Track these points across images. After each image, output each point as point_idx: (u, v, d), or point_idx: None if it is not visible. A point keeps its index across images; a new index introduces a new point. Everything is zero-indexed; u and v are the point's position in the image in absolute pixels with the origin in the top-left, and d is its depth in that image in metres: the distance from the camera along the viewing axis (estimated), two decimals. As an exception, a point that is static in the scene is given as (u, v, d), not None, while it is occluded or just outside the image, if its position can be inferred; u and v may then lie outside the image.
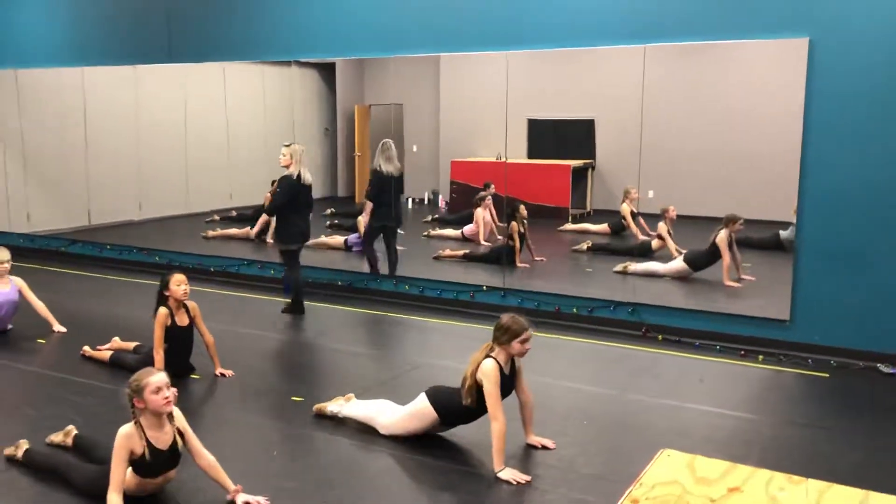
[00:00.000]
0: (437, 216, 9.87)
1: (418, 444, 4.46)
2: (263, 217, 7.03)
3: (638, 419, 4.97)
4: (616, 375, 5.82)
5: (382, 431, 4.55)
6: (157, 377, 3.61)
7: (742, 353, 6.24)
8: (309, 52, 8.35)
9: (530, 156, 9.63)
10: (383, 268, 8.18)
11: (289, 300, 7.50)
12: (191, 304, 5.55)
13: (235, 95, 9.99)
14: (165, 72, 9.25)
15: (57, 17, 9.75)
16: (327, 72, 10.10)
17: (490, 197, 9.16)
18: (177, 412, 3.74)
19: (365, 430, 4.66)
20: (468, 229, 9.32)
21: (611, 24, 6.64)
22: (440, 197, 10.30)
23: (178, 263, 9.27)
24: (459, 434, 4.54)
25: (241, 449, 4.52)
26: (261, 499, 3.75)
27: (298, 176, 7.02)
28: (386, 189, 7.91)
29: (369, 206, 7.92)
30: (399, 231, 8.38)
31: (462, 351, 6.43)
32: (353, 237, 9.20)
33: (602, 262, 8.81)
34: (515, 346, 4.23)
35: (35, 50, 9.93)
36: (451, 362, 6.01)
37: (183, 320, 5.48)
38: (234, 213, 10.27)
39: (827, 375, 5.80)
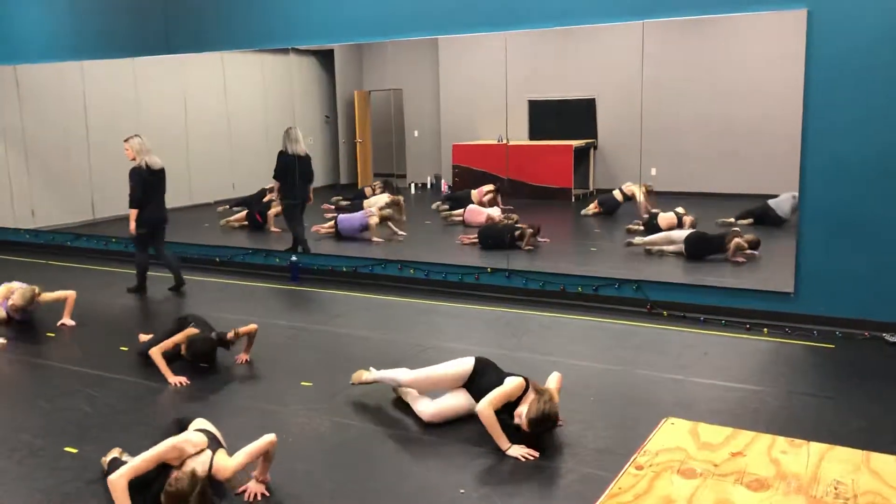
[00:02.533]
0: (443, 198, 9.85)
1: (428, 426, 4.51)
2: (133, 212, 7.61)
3: (644, 394, 5.01)
4: (622, 352, 5.85)
5: (406, 381, 4.61)
6: None
7: (747, 326, 6.26)
8: (306, 39, 8.35)
9: (532, 137, 9.62)
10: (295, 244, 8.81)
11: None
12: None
13: (235, 85, 9.99)
14: (164, 63, 9.25)
15: (54, 11, 9.75)
16: (326, 59, 10.08)
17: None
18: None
19: (376, 414, 4.71)
20: (469, 215, 9.31)
21: (608, 1, 6.63)
22: (443, 181, 10.31)
23: (185, 254, 9.32)
24: (465, 417, 4.58)
25: (253, 434, 4.57)
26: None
27: (147, 165, 7.55)
28: (291, 169, 8.55)
29: (276, 184, 8.77)
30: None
31: (469, 333, 6.49)
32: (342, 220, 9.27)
33: (606, 241, 8.83)
34: (521, 405, 4.22)
35: (33, 45, 9.95)
36: (458, 344, 6.05)
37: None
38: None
39: (832, 346, 5.82)
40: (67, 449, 4.30)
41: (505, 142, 8.40)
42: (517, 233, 8.19)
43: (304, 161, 8.64)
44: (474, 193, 9.44)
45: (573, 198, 9.44)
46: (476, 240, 8.54)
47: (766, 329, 6.19)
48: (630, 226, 8.31)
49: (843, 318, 6.09)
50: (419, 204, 10.19)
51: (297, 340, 6.41)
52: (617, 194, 8.60)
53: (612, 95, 8.84)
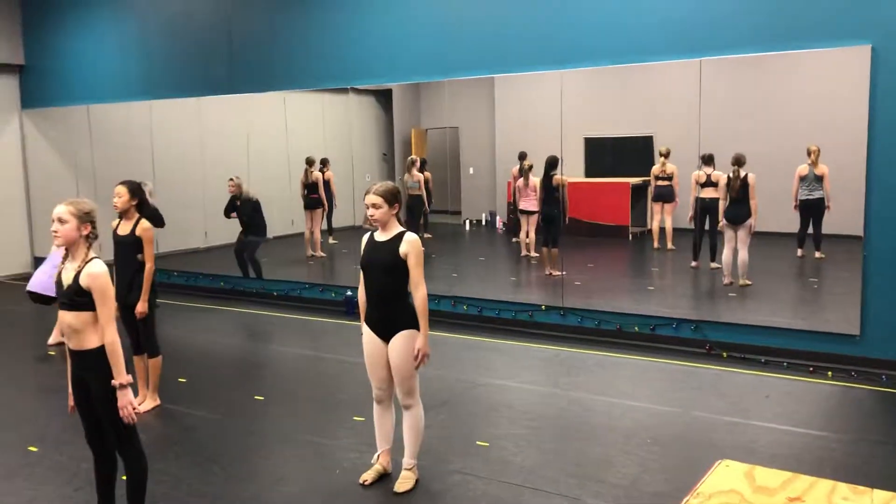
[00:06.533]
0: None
1: (477, 463, 4.46)
2: None
3: (702, 437, 4.87)
4: (679, 393, 5.71)
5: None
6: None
7: (811, 369, 6.05)
8: (366, 79, 8.51)
9: (588, 174, 9.59)
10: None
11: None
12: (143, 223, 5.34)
13: (295, 124, 10.21)
14: (228, 102, 9.53)
15: (126, 54, 10.16)
16: (384, 98, 10.26)
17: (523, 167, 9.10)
18: (97, 269, 3.40)
19: (431, 453, 4.67)
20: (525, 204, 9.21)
21: (666, 39, 6.60)
22: (497, 218, 10.32)
23: (242, 288, 9.50)
24: (520, 459, 4.51)
25: (304, 467, 4.59)
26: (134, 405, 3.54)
27: None
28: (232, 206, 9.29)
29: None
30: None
31: (521, 370, 6.42)
32: None
33: (663, 280, 8.69)
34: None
35: (106, 85, 10.36)
36: (510, 382, 6.00)
37: (123, 229, 5.38)
38: None
39: (902, 391, 5.58)
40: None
41: (561, 179, 8.37)
42: None
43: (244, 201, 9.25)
44: (513, 181, 9.28)
45: (630, 236, 9.34)
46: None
47: (830, 372, 5.97)
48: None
49: (913, 363, 5.84)
50: (473, 240, 10.20)
51: (350, 375, 6.42)
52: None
53: (670, 133, 8.76)
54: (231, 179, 9.21)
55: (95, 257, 3.45)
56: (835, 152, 7.13)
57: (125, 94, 10.20)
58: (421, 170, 9.57)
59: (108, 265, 3.56)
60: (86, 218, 3.45)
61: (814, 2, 6.00)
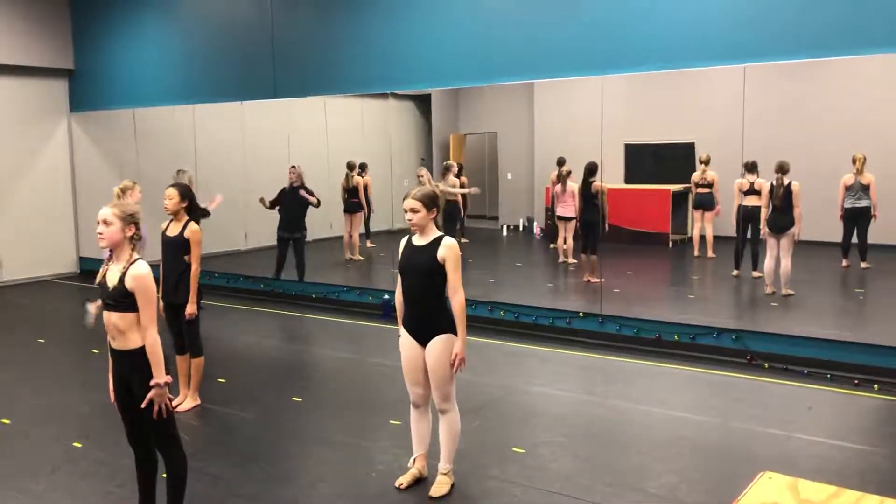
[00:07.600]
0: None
1: (512, 468, 4.44)
2: None
3: (742, 448, 4.79)
4: (719, 403, 5.63)
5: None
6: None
7: (856, 382, 5.92)
8: (405, 84, 8.55)
9: (628, 181, 9.52)
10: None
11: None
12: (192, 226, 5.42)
13: (335, 127, 10.30)
14: (270, 106, 9.64)
15: (171, 59, 10.35)
16: (423, 103, 10.30)
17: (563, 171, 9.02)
18: (141, 270, 3.45)
19: (467, 457, 4.67)
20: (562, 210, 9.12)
21: (709, 45, 6.52)
22: (535, 224, 10.29)
23: (282, 291, 9.59)
24: (557, 466, 4.48)
25: (341, 469, 4.61)
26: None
27: None
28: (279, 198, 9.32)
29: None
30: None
31: (558, 377, 6.39)
32: None
33: (704, 288, 8.58)
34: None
35: (151, 90, 10.57)
36: (546, 388, 5.97)
37: (173, 230, 5.47)
38: None
39: (951, 406, 5.43)
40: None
41: (601, 185, 8.31)
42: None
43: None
44: (551, 186, 9.20)
45: (670, 243, 9.25)
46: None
47: (876, 385, 5.83)
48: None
49: (963, 377, 5.68)
50: (511, 246, 10.18)
51: (388, 378, 6.45)
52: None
53: (712, 139, 8.66)
54: (293, 167, 9.10)
55: (139, 258, 3.51)
56: (881, 160, 6.98)
57: (169, 98, 10.39)
58: (457, 175, 9.59)
59: (153, 265, 3.62)
60: (130, 220, 3.51)
61: (861, 7, 5.88)
